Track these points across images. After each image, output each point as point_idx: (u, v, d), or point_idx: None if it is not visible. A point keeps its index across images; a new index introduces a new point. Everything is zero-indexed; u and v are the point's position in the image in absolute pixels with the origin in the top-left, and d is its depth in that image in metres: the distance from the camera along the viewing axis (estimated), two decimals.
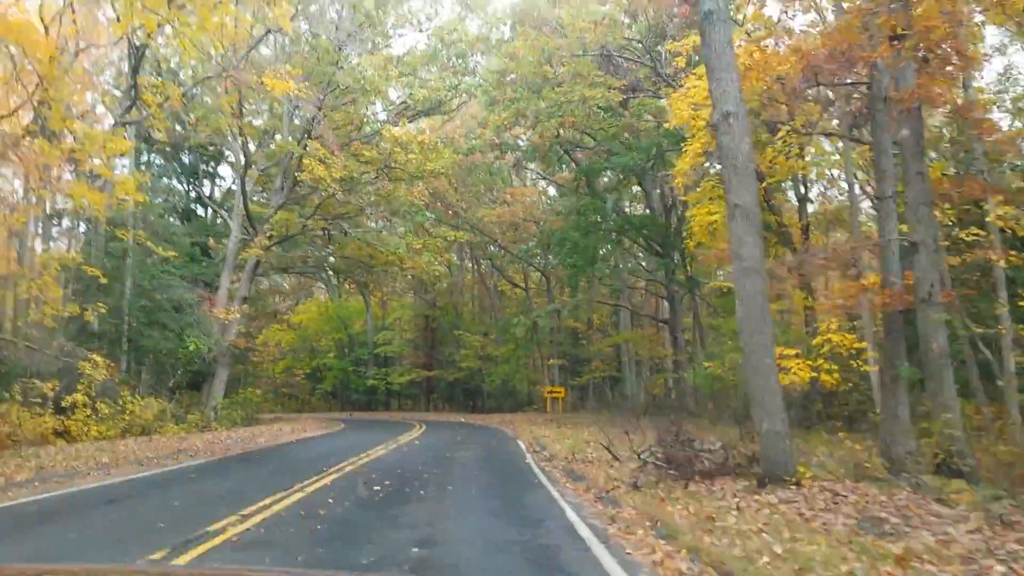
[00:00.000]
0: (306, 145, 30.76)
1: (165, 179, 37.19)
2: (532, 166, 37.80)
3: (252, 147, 36.01)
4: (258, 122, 38.37)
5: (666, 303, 37.42)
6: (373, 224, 37.83)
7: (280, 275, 59.66)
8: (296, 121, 35.00)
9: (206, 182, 40.38)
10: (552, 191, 50.92)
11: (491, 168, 46.96)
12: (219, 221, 40.01)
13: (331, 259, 43.69)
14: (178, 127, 36.00)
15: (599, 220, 32.48)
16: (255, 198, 37.69)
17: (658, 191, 34.18)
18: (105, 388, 22.47)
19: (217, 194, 42.30)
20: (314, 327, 62.12)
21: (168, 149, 36.64)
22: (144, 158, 36.46)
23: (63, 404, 20.49)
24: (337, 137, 32.68)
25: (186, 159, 37.84)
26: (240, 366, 44.97)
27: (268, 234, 33.11)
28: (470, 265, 58.72)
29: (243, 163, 32.66)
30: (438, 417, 46.15)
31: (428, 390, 58.23)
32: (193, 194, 39.43)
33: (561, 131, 28.95)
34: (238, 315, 32.83)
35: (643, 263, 38.62)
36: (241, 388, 42.71)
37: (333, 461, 15.65)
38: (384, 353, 59.24)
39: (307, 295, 71.38)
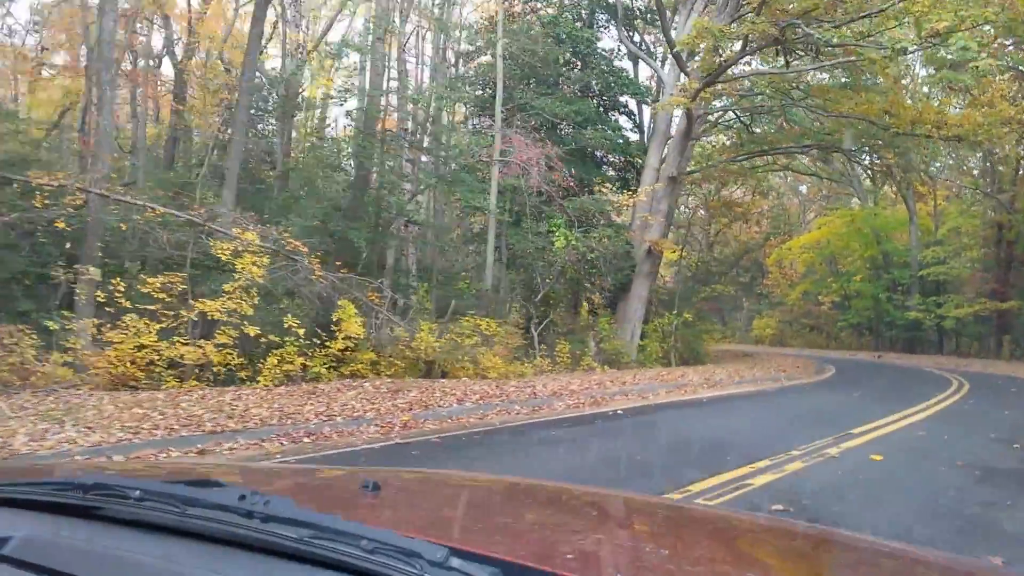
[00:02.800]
0: None
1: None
2: None
3: None
4: None
5: None
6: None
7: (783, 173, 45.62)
8: None
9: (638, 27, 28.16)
10: None
11: None
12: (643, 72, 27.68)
13: (824, 128, 28.64)
14: None
15: None
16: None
17: None
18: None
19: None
20: (839, 244, 46.74)
21: None
22: None
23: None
24: None
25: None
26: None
27: (695, 66, 20.42)
28: None
29: None
30: (1008, 370, 28.42)
31: (1000, 329, 39.07)
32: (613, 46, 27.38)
33: None
34: (648, 199, 21.02)
35: None
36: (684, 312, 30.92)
37: None
38: (933, 276, 41.54)
39: (837, 204, 55.60)
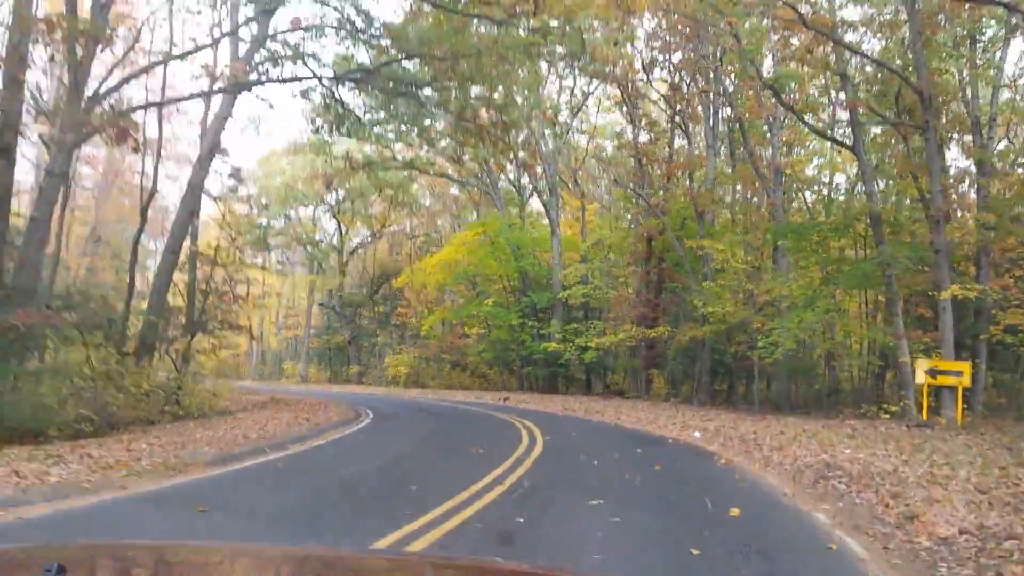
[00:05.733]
0: None
1: None
2: None
3: None
4: None
5: None
6: None
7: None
8: None
9: None
10: None
11: None
12: None
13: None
14: None
15: None
16: None
17: None
18: None
19: None
20: (475, 262, 36.93)
21: None
22: None
23: None
24: None
25: None
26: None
27: None
28: (729, 148, 30.42)
29: None
30: (645, 416, 18.99)
31: (649, 362, 30.81)
32: None
33: None
34: None
35: None
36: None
37: None
38: (576, 299, 32.89)
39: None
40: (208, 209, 26.48)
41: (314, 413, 17.89)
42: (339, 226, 47.08)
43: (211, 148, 21.49)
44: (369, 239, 48.06)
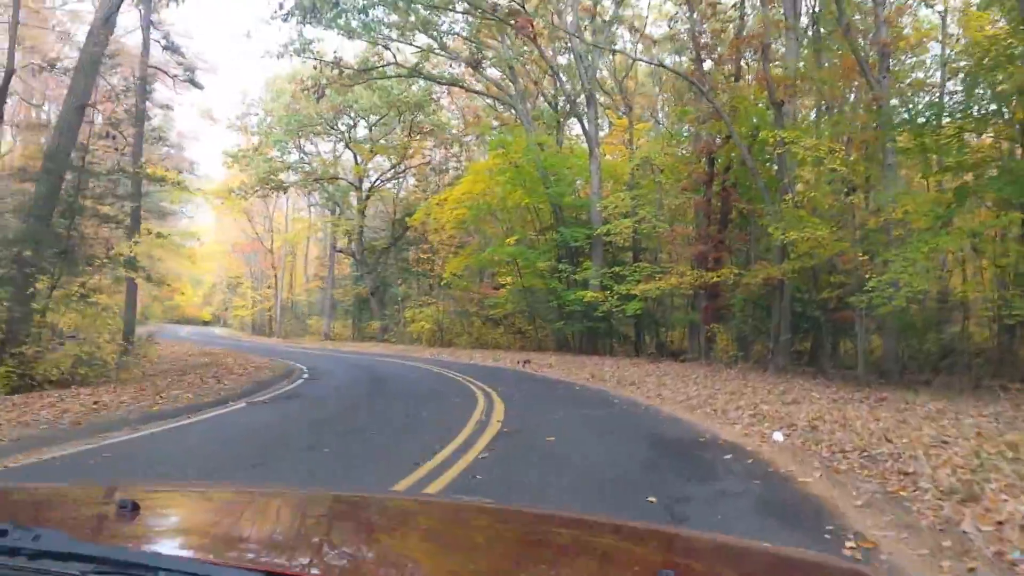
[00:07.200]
0: None
1: None
2: None
3: None
4: None
5: None
6: None
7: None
8: None
9: None
10: None
11: None
12: None
13: None
14: None
15: None
16: None
17: None
18: None
19: None
20: (500, 193, 30.27)
21: None
22: None
23: None
24: None
25: None
26: None
27: None
28: (813, 44, 22.82)
29: None
30: (697, 393, 12.34)
31: (709, 315, 23.73)
32: None
33: None
34: None
35: None
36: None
37: None
38: (617, 235, 26.10)
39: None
40: (221, 140, 20.81)
41: (203, 383, 11.98)
42: (354, 157, 40.99)
43: (107, 16, 15.62)
44: (390, 174, 41.84)
